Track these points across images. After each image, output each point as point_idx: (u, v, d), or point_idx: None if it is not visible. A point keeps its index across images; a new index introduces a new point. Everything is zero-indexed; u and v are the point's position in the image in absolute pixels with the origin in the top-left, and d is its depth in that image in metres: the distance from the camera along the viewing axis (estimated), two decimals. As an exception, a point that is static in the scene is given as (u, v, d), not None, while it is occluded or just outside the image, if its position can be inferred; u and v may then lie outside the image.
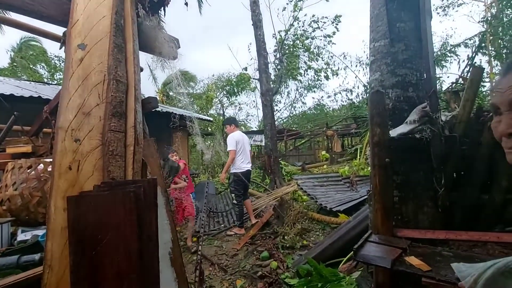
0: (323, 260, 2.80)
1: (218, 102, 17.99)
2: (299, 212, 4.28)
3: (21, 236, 1.66)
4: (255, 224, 4.60)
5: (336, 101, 19.56)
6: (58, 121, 1.08)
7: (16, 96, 4.90)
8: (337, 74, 11.14)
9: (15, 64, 17.10)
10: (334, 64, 12.01)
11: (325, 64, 10.94)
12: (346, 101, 18.72)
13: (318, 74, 10.80)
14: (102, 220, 0.85)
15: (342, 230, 3.04)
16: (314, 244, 3.65)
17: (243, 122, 21.06)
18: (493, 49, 12.39)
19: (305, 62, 10.69)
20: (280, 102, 19.83)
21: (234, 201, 4.73)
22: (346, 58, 17.36)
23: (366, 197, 4.55)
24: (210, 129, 15.97)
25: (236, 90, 17.45)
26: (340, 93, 19.76)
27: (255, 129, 20.99)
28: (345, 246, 2.94)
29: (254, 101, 23.06)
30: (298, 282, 2.56)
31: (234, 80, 17.30)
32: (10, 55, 17.51)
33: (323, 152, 9.31)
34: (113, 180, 0.99)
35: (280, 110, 20.59)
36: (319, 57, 10.52)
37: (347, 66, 15.76)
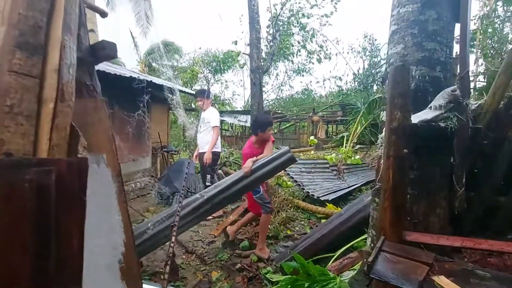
0: (310, 256, 2.54)
1: (204, 78, 17.12)
2: (284, 199, 3.99)
3: None
4: (236, 209, 4.28)
5: (324, 87, 19.31)
6: None
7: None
8: (330, 58, 10.72)
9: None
10: (326, 48, 11.56)
11: (319, 46, 10.46)
12: (334, 88, 18.49)
13: (311, 56, 10.32)
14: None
15: (333, 223, 2.77)
16: (298, 235, 3.40)
17: (228, 101, 20.39)
18: (480, 50, 12.38)
19: (298, 42, 10.13)
20: (267, 83, 19.27)
21: (209, 183, 4.21)
22: (338, 44, 16.93)
23: (354, 187, 4.34)
24: (194, 105, 15.25)
25: (222, 68, 16.64)
26: (329, 79, 19.48)
27: (240, 109, 20.46)
28: (335, 241, 2.69)
29: (241, 80, 22.37)
30: (284, 279, 2.28)
31: (221, 57, 16.44)
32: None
33: (312, 138, 9.04)
34: (4, 157, 0.56)
35: (267, 91, 20.07)
36: (314, 37, 10.00)
37: (339, 52, 15.35)
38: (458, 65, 1.68)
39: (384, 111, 1.93)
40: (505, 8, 10.45)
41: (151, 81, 5.97)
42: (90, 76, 1.08)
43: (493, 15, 11.34)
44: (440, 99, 1.63)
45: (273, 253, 3.08)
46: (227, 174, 6.90)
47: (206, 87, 18.87)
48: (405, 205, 1.64)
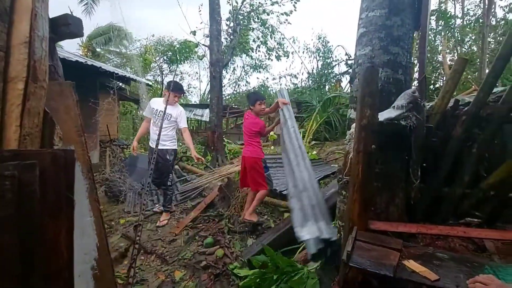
0: (277, 248, 2.58)
1: (157, 67, 16.12)
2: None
3: None
4: (197, 206, 4.15)
5: (280, 84, 19.73)
6: None
7: None
8: (288, 56, 10.99)
9: None
10: (284, 47, 11.81)
11: (277, 44, 10.63)
12: (290, 85, 19.04)
13: (270, 52, 10.45)
14: None
15: (298, 217, 2.85)
16: (263, 229, 3.43)
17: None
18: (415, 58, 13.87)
19: (258, 38, 10.16)
20: (225, 77, 19.00)
21: (169, 183, 4.05)
22: (294, 42, 17.44)
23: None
24: (144, 96, 14.28)
25: (178, 58, 15.87)
26: (285, 77, 19.98)
27: (195, 103, 19.83)
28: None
29: (197, 72, 21.68)
30: (252, 273, 2.28)
31: (177, 46, 15.65)
32: None
33: (272, 133, 9.18)
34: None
35: (224, 86, 19.79)
36: (274, 34, 10.12)
37: (295, 51, 15.82)
38: (417, 70, 1.85)
39: (352, 109, 2.05)
40: (438, 22, 11.92)
41: (101, 68, 5.42)
42: (51, 56, 0.92)
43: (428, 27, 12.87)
44: (401, 100, 1.78)
45: (238, 246, 3.07)
46: (183, 169, 6.65)
47: (159, 78, 17.85)
48: (372, 197, 1.76)
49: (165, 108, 3.21)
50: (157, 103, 3.75)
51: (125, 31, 17.96)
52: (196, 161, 3.98)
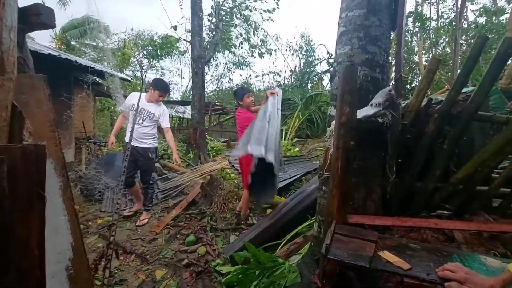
0: (259, 245, 2.60)
1: (137, 63, 15.65)
2: (229, 191, 3.99)
3: None
4: (179, 204, 4.10)
5: (263, 82, 19.82)
6: None
7: None
8: (271, 54, 11.03)
9: None
10: (267, 44, 11.83)
11: (260, 41, 10.63)
12: (272, 83, 19.14)
13: (253, 49, 10.43)
14: None
15: (281, 212, 2.90)
16: (246, 226, 3.45)
17: (164, 90, 19.14)
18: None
19: (241, 34, 10.10)
20: (207, 74, 18.80)
21: (151, 181, 3.91)
22: (277, 40, 17.52)
23: (295, 177, 4.61)
24: (123, 92, 13.82)
25: (159, 53, 15.47)
26: (268, 74, 20.09)
27: (177, 99, 19.48)
28: (283, 228, 2.82)
29: (178, 68, 21.27)
30: (235, 270, 2.29)
31: (158, 41, 15.25)
32: None
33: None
34: None
35: (207, 82, 19.58)
36: (256, 31, 10.10)
37: (278, 49, 15.91)
38: (394, 69, 1.92)
39: (332, 106, 2.09)
40: (414, 24, 12.39)
41: (75, 61, 5.19)
42: (21, 47, 0.88)
43: (404, 29, 13.36)
44: (379, 98, 1.84)
45: (220, 244, 3.07)
46: (165, 167, 6.53)
47: (139, 74, 17.34)
48: (350, 192, 1.82)
49: (143, 107, 3.14)
50: (137, 99, 3.49)
51: (102, 24, 17.29)
52: (176, 164, 3.93)
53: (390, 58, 2.05)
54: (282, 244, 2.64)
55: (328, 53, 12.82)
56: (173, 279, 2.54)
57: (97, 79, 7.61)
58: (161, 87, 3.62)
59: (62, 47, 14.77)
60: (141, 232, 3.50)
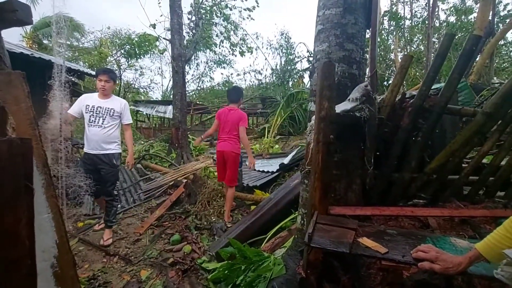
0: (245, 240, 2.64)
1: (114, 62, 15.16)
2: (213, 189, 3.99)
3: None
4: (162, 204, 4.05)
5: (245, 80, 19.85)
6: None
7: None
8: (251, 52, 11.05)
9: None
10: (247, 42, 11.84)
11: (240, 39, 10.62)
12: (254, 81, 19.21)
13: (234, 48, 10.41)
14: None
15: (264, 208, 2.95)
16: (230, 222, 3.47)
17: (144, 90, 18.74)
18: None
19: (221, 33, 10.05)
20: (188, 73, 18.56)
21: (115, 192, 3.33)
22: (258, 38, 17.55)
23: (278, 173, 4.67)
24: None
25: (137, 52, 15.07)
26: (249, 72, 20.12)
27: (157, 99, 19.09)
28: (267, 223, 2.87)
29: (159, 68, 20.82)
30: (221, 266, 2.31)
31: (135, 40, 14.85)
32: None
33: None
34: None
35: (188, 81, 19.31)
36: (237, 30, 10.09)
37: (258, 47, 15.96)
38: (369, 65, 2.01)
39: (312, 102, 2.16)
40: (390, 22, 12.85)
41: (49, 61, 4.97)
42: (-4, 43, 0.86)
43: (380, 27, 13.82)
44: (356, 93, 1.92)
45: (205, 241, 3.07)
46: (147, 167, 6.41)
47: (117, 73, 16.80)
48: (331, 184, 1.89)
49: (99, 105, 2.86)
50: (92, 99, 3.04)
51: (76, 22, 16.60)
52: (129, 167, 3.44)
53: (365, 55, 2.14)
54: (267, 238, 2.69)
55: (308, 51, 13.02)
56: (158, 279, 2.52)
57: (73, 78, 7.33)
58: (99, 72, 3.09)
59: (34, 46, 14.05)
60: (124, 234, 3.43)
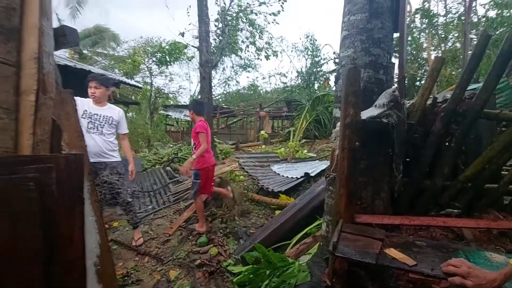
0: (269, 245, 2.66)
1: (146, 69, 15.99)
2: (240, 193, 4.06)
3: None
4: (190, 206, 4.20)
5: (270, 83, 19.91)
6: None
7: None
8: (276, 55, 11.09)
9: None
10: (272, 46, 11.90)
11: (266, 43, 10.72)
12: (279, 84, 19.22)
13: (259, 52, 10.54)
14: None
15: (289, 213, 2.95)
16: (255, 227, 3.51)
17: (173, 95, 19.51)
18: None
19: (246, 38, 10.24)
20: (214, 77, 19.03)
21: (129, 198, 3.18)
22: (283, 42, 17.57)
23: (303, 178, 4.64)
24: (134, 98, 14.14)
25: (168, 59, 15.76)
26: (274, 76, 20.16)
27: (185, 103, 19.75)
28: (292, 228, 2.87)
29: (187, 73, 21.61)
30: (246, 269, 2.36)
31: (166, 48, 15.54)
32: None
33: (262, 132, 9.29)
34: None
35: (214, 86, 19.81)
36: (262, 34, 10.21)
37: (283, 50, 15.97)
38: (397, 69, 1.96)
39: (337, 108, 2.14)
40: (422, 20, 12.25)
41: (90, 71, 5.38)
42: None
43: (412, 26, 13.20)
44: (383, 98, 1.88)
45: (231, 244, 3.14)
46: (176, 170, 6.66)
47: (149, 79, 17.69)
48: (357, 191, 1.86)
49: (96, 112, 2.77)
50: (86, 104, 2.90)
51: (113, 32, 17.76)
52: (132, 177, 3.22)
53: (393, 58, 2.08)
54: (291, 244, 2.69)
55: (334, 52, 12.79)
56: (186, 279, 2.62)
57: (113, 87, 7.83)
58: (102, 80, 2.99)
59: (75, 56, 15.23)
60: (154, 234, 3.60)
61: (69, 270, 0.50)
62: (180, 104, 18.92)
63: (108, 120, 2.96)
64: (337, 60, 11.87)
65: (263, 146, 8.56)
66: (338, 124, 1.92)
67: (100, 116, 2.91)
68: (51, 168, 0.48)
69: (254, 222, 3.78)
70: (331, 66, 13.38)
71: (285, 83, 17.10)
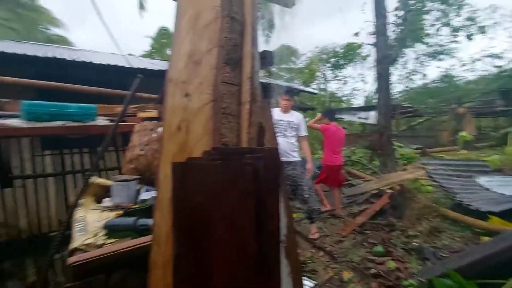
0: (469, 277, 2.08)
1: (321, 75, 16.93)
2: (425, 206, 3.44)
3: (143, 195, 1.74)
4: (364, 211, 4.02)
5: (474, 70, 15.29)
6: (169, 71, 0.89)
7: (149, 70, 5.76)
8: (484, 32, 8.35)
9: (153, 49, 20.45)
10: (477, 22, 9.02)
11: (467, 20, 8.30)
12: (489, 69, 14.38)
13: (455, 34, 8.34)
14: (211, 201, 0.60)
15: (508, 241, 2.17)
16: (448, 251, 2.85)
17: (347, 98, 19.42)
18: None
19: (437, 19, 8.39)
20: (393, 74, 17.08)
21: (307, 195, 3.50)
22: (496, 11, 12.93)
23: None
24: (310, 104, 15.34)
25: (342, 62, 15.90)
26: (481, 59, 15.28)
27: (358, 105, 19.07)
28: (507, 264, 2.10)
29: (361, 74, 20.88)
30: (434, 298, 1.97)
31: (340, 51, 15.76)
32: (150, 42, 21.04)
33: (463, 134, 7.38)
34: (225, 147, 0.73)
35: (393, 83, 17.80)
36: (460, 10, 8.03)
37: (495, 23, 11.73)
38: None
39: None
40: None
41: (277, 85, 6.43)
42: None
43: None
44: None
45: (413, 263, 2.71)
46: (349, 173, 6.58)
47: (323, 85, 18.63)
48: None
49: (281, 118, 3.26)
50: (277, 114, 3.53)
51: (292, 48, 20.20)
52: (308, 174, 3.60)
53: None
54: (508, 285, 1.96)
55: None
56: (360, 285, 2.54)
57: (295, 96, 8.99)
58: (287, 91, 3.65)
59: (265, 73, 18.64)
60: (328, 232, 3.75)
61: (271, 238, 0.65)
62: (353, 106, 18.53)
63: (290, 124, 3.48)
64: None
65: (463, 152, 6.74)
66: None
67: (284, 122, 3.49)
68: (261, 157, 0.65)
69: (446, 244, 3.07)
70: None
71: (500, 66, 12.58)
